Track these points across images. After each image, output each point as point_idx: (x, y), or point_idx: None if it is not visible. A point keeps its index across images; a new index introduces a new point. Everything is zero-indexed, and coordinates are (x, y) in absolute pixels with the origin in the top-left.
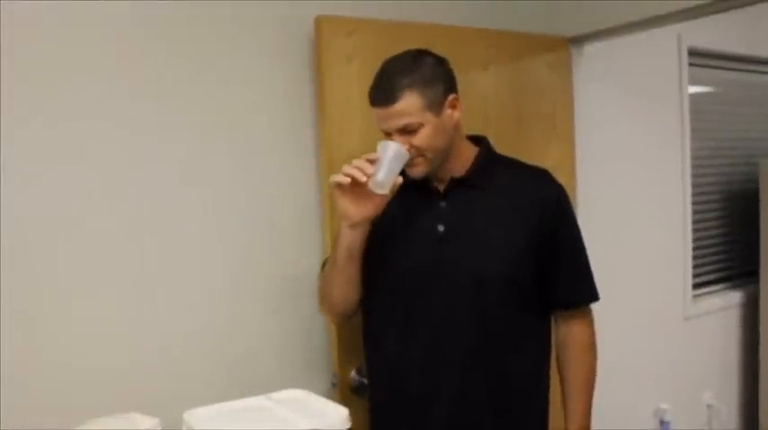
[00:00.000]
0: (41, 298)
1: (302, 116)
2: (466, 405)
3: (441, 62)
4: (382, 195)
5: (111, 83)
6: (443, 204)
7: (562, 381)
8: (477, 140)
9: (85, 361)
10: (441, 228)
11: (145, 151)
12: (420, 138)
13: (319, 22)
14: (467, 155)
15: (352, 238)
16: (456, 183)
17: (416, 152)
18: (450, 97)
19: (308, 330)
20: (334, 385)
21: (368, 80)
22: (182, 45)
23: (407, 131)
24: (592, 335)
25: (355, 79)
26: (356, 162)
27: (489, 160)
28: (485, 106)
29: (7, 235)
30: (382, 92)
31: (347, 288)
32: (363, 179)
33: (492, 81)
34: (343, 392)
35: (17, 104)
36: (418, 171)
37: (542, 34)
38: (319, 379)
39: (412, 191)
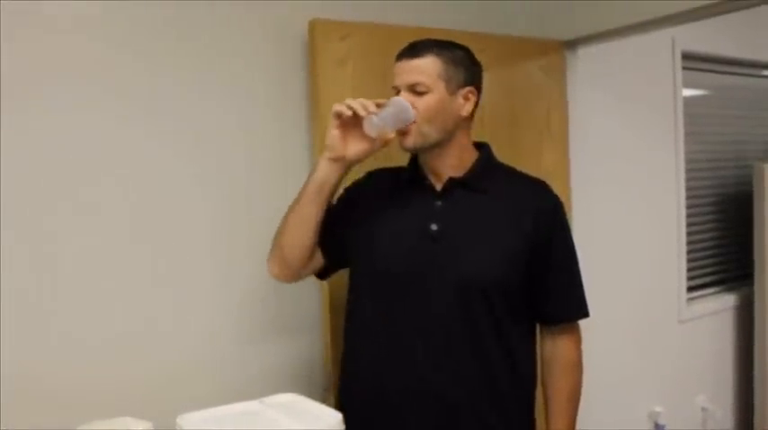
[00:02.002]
0: (37, 301)
1: (296, 119)
2: (452, 407)
3: (474, 60)
4: (368, 145)
5: (106, 86)
6: (439, 203)
7: (545, 399)
8: (479, 146)
9: (79, 365)
10: (434, 227)
11: (138, 156)
12: (423, 102)
13: (313, 25)
14: (468, 156)
15: (327, 172)
16: (454, 184)
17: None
18: (468, 88)
19: (302, 333)
20: (326, 389)
21: (361, 83)
22: (175, 47)
23: (415, 92)
24: (578, 352)
25: (349, 82)
26: (361, 100)
27: (489, 165)
28: (478, 109)
29: (7, 238)
30: (410, 47)
31: (303, 229)
32: (363, 113)
33: (486, 84)
34: (336, 396)
35: (16, 102)
36: (408, 140)
37: (536, 38)
38: (313, 382)
39: (408, 186)
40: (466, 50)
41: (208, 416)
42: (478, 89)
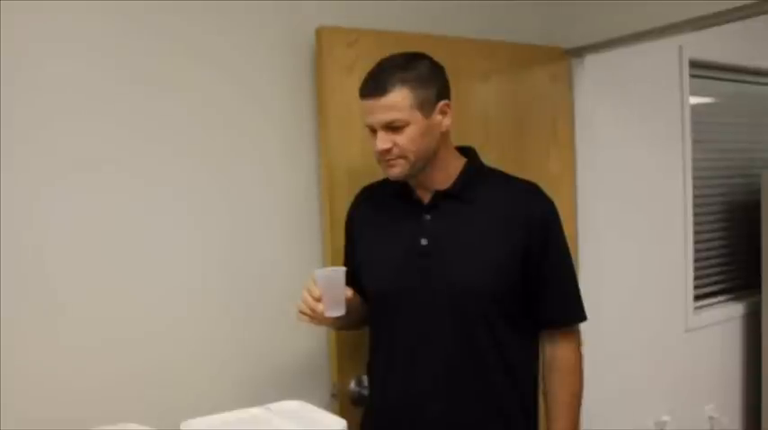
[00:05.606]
0: (39, 305)
1: (303, 125)
2: (451, 421)
3: (437, 67)
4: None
5: (113, 96)
6: (427, 217)
7: (546, 403)
8: (464, 151)
9: (82, 371)
10: (423, 241)
11: (141, 163)
12: (405, 137)
13: (320, 32)
14: (453, 166)
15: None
16: (441, 196)
17: (398, 152)
18: (442, 103)
19: (308, 340)
20: (333, 396)
21: None
22: (180, 56)
23: (393, 128)
24: (577, 356)
25: (356, 89)
26: (305, 301)
27: (476, 173)
28: (484, 117)
29: (7, 241)
30: (374, 83)
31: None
32: (317, 319)
33: (492, 92)
34: (343, 403)
35: (16, 109)
36: (396, 172)
37: (543, 46)
38: (319, 389)
39: (397, 202)
40: (427, 59)
41: (212, 423)
42: (449, 94)
